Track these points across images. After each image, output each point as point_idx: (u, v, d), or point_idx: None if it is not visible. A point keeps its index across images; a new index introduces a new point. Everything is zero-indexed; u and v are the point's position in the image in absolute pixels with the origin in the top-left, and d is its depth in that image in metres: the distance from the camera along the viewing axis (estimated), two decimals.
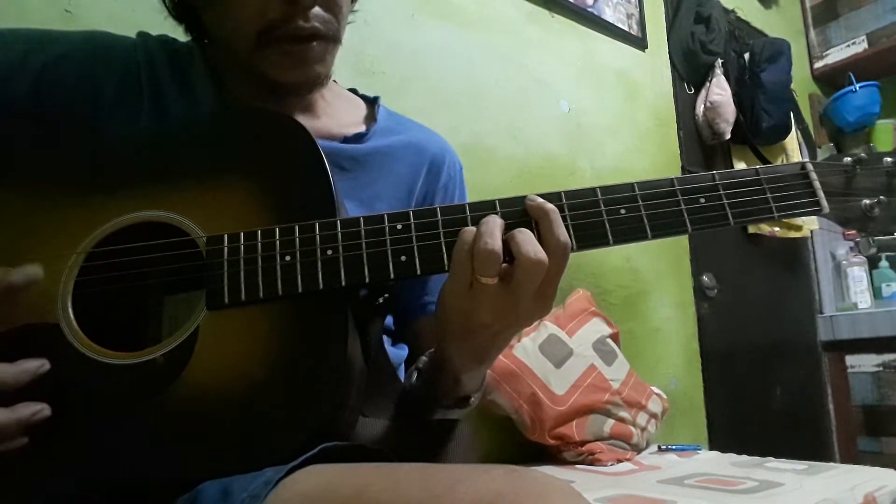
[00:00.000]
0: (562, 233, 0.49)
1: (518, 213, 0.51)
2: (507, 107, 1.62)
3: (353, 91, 0.80)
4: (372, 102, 0.78)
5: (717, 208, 0.53)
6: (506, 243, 0.48)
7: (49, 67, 0.60)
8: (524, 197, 0.51)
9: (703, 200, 0.53)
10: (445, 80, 1.49)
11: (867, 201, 0.56)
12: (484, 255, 0.47)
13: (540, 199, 0.51)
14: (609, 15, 1.93)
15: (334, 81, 0.79)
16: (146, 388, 0.47)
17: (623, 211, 0.52)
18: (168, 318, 0.54)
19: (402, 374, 0.70)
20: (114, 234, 0.51)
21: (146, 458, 0.45)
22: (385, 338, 0.67)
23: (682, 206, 0.53)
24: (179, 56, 0.67)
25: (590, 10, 1.87)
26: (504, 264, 0.48)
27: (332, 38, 0.62)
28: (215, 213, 0.52)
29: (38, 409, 0.43)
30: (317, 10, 0.59)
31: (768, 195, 0.54)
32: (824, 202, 0.55)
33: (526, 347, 1.38)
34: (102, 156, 0.57)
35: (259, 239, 0.50)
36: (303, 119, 0.63)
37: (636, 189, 0.53)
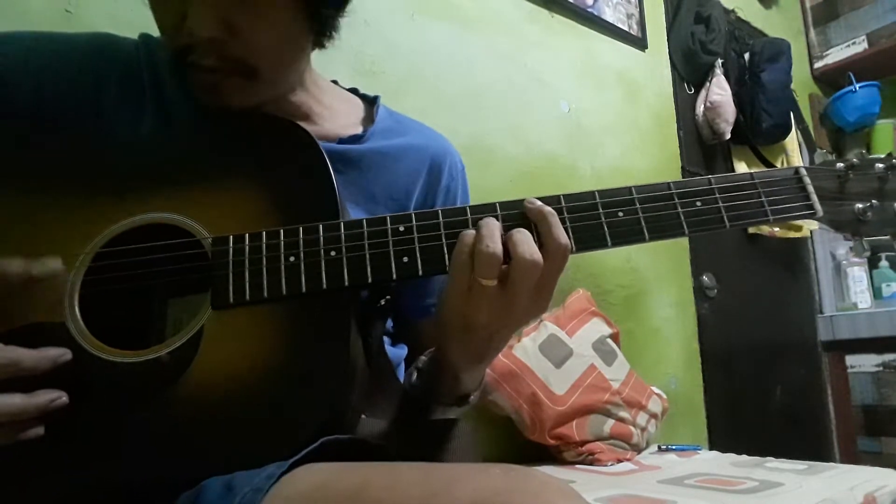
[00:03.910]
0: (561, 235, 0.50)
1: (518, 215, 0.52)
2: (507, 107, 1.62)
3: (354, 91, 0.80)
4: (371, 102, 0.78)
5: (712, 211, 0.54)
6: (504, 244, 0.48)
7: (51, 68, 0.60)
8: (524, 200, 0.52)
9: (699, 203, 0.54)
10: (445, 80, 1.49)
11: (860, 205, 0.57)
12: (485, 257, 0.47)
13: (539, 203, 0.51)
14: (609, 15, 1.93)
15: (334, 82, 0.78)
16: (151, 386, 0.47)
17: (621, 213, 0.53)
18: (173, 317, 0.54)
19: (401, 373, 0.71)
20: (121, 236, 0.52)
21: (150, 454, 0.45)
22: (385, 338, 0.68)
23: (679, 209, 0.54)
24: None
25: (590, 10, 1.87)
26: (504, 265, 0.48)
27: (245, 76, 0.58)
28: (220, 215, 0.52)
29: (56, 396, 0.44)
30: (224, 47, 0.56)
31: (763, 198, 0.55)
32: (818, 205, 0.56)
33: (526, 347, 1.38)
34: (109, 157, 0.57)
35: (264, 240, 0.51)
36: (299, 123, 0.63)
37: (634, 192, 0.54)
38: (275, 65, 0.60)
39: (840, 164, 0.58)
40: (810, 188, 0.56)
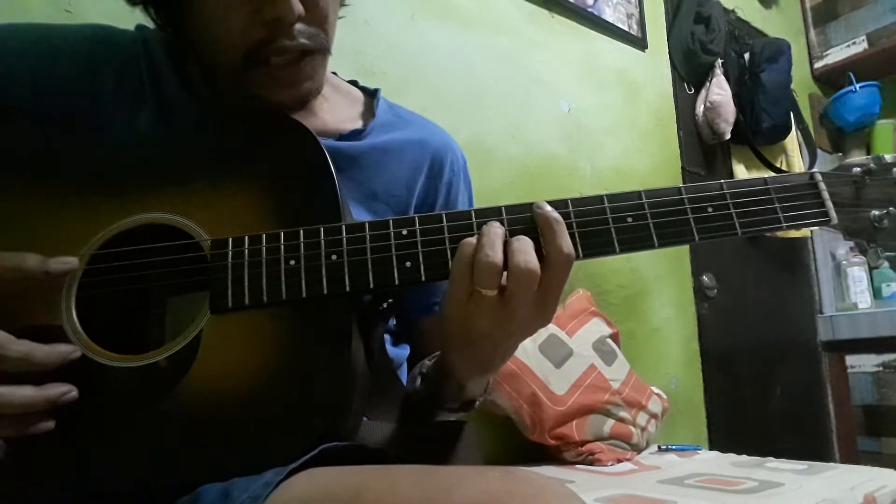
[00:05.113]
0: (565, 243, 0.48)
1: (524, 220, 0.51)
2: (507, 107, 1.62)
3: (354, 83, 0.78)
4: (372, 95, 0.76)
5: (724, 217, 0.53)
6: (504, 252, 0.47)
7: (47, 60, 0.59)
8: (531, 204, 0.51)
9: (710, 209, 0.53)
10: (445, 80, 1.49)
11: (876, 212, 0.55)
12: (484, 267, 0.46)
13: (548, 208, 0.50)
14: (609, 15, 1.93)
15: (333, 73, 0.77)
16: (149, 390, 0.47)
17: (630, 219, 0.52)
18: (171, 321, 0.54)
19: (403, 373, 0.70)
20: (118, 237, 0.51)
21: (148, 460, 0.45)
22: (386, 337, 0.67)
23: (690, 215, 0.52)
24: (177, 47, 0.65)
25: (590, 10, 1.87)
26: (505, 272, 0.47)
27: (320, 51, 0.60)
28: (220, 217, 0.52)
29: (66, 390, 0.43)
30: (301, 26, 0.57)
31: (776, 205, 0.54)
32: (833, 213, 0.54)
33: (526, 347, 1.38)
34: (106, 156, 0.56)
35: (264, 243, 0.50)
36: (298, 116, 0.63)
37: (643, 197, 0.52)
38: (334, 34, 0.62)
39: (857, 169, 0.56)
40: (825, 195, 0.54)
